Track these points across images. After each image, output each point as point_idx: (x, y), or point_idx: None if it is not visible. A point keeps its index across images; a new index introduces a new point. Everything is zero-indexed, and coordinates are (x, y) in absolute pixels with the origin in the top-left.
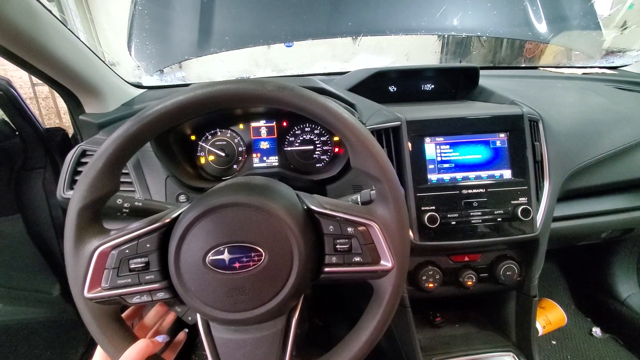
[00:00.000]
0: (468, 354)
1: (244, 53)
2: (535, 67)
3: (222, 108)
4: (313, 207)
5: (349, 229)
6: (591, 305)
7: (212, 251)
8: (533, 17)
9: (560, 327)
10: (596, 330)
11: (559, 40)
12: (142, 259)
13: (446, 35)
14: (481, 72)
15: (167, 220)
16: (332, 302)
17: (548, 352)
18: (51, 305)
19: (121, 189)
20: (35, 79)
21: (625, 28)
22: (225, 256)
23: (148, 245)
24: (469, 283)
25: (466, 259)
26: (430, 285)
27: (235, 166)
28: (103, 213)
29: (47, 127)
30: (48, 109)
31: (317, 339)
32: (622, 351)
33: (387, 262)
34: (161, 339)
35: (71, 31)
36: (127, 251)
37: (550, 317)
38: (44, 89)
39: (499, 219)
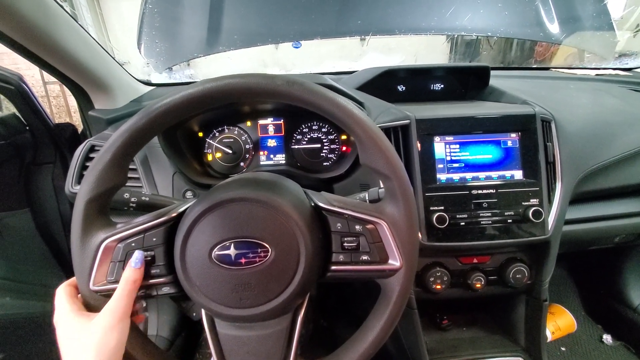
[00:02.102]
0: (475, 357)
1: (251, 52)
2: (547, 68)
3: (231, 102)
4: (321, 204)
5: (357, 227)
6: (602, 312)
7: (218, 246)
8: (545, 18)
9: (569, 333)
10: (607, 338)
11: (571, 41)
12: (148, 253)
13: (455, 36)
14: (491, 72)
15: (174, 215)
16: (337, 303)
17: (557, 358)
18: None
19: (128, 184)
20: (47, 78)
21: (639, 30)
22: (231, 251)
23: (154, 239)
24: (478, 285)
25: (475, 260)
26: (438, 286)
27: (242, 163)
28: (110, 207)
29: (57, 122)
30: (59, 107)
31: (321, 339)
32: (634, 359)
33: (395, 262)
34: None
35: (83, 28)
36: (133, 244)
37: (559, 322)
38: (55, 88)
39: (509, 221)
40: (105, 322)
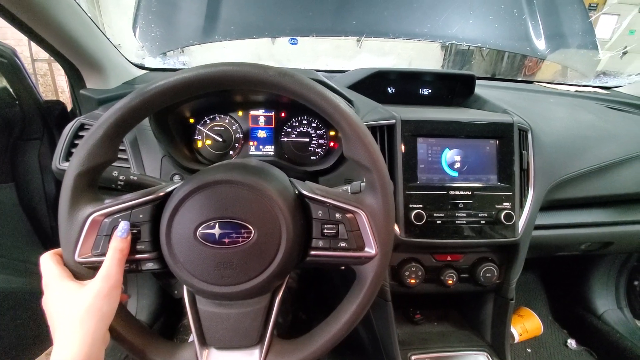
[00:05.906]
0: (444, 350)
1: (247, 46)
2: (531, 82)
3: (224, 89)
4: (304, 192)
5: (337, 215)
6: (568, 318)
7: (203, 225)
8: (533, 33)
9: (536, 336)
10: (571, 342)
11: (555, 57)
12: (134, 229)
13: (449, 45)
14: (478, 82)
15: (161, 194)
16: (316, 297)
17: (523, 359)
18: (38, 277)
19: (117, 164)
20: (35, 56)
21: (626, 53)
22: (216, 231)
23: (141, 216)
24: (450, 282)
25: (448, 258)
26: (412, 281)
27: (231, 152)
28: (98, 186)
29: (47, 99)
30: (46, 86)
31: (300, 331)
32: None
33: (371, 249)
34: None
35: (80, 7)
36: (119, 220)
37: (527, 325)
38: (42, 66)
39: (482, 222)
40: (99, 287)
